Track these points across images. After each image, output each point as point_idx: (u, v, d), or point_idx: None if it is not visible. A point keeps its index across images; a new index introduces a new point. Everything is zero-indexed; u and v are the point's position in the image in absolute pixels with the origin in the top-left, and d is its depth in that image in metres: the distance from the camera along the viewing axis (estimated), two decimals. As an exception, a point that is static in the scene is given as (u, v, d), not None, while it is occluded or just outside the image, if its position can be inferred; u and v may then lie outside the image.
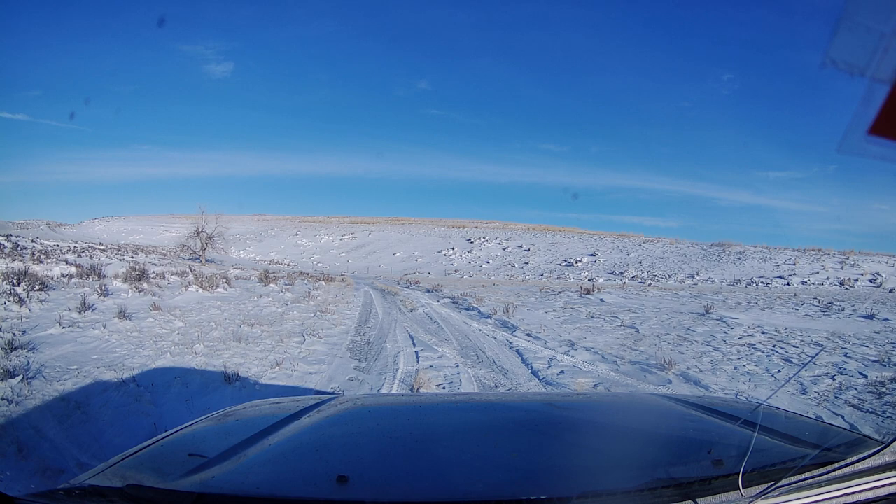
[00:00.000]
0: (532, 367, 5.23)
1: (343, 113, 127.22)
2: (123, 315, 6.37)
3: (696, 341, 6.61)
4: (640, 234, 46.01)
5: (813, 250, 29.11)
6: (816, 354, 5.65)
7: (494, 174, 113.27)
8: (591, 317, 9.25)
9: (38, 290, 7.01)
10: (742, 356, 5.68)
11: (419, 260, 44.79)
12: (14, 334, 4.92)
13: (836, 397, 4.09)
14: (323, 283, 16.89)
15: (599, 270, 32.13)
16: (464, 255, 44.94)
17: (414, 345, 6.42)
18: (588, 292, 13.73)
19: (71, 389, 3.76)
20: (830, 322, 8.28)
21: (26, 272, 7.65)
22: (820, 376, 4.68)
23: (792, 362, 5.41)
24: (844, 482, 0.83)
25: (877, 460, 0.84)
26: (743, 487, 0.80)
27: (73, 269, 10.23)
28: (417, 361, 5.46)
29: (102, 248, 24.59)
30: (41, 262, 11.74)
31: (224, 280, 11.31)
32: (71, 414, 3.32)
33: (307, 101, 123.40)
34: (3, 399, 3.35)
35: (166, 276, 11.29)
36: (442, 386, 4.52)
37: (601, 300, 12.09)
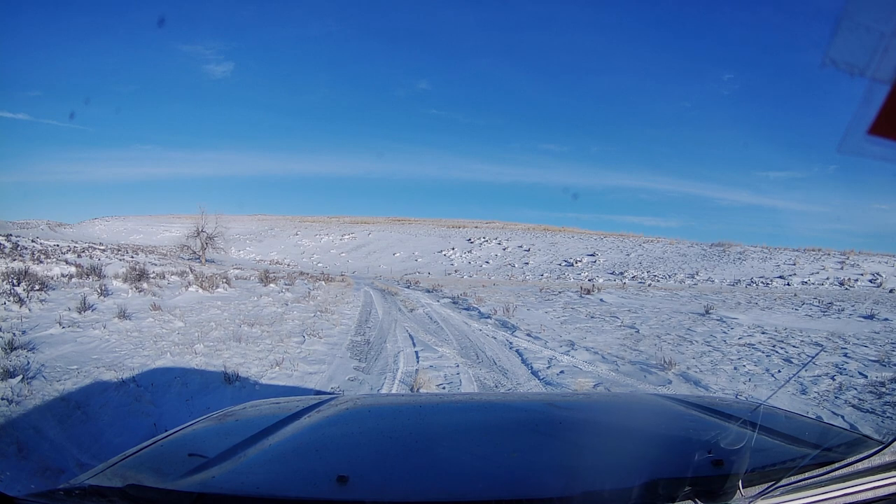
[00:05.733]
0: (532, 367, 5.23)
1: (343, 113, 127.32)
2: (123, 315, 6.37)
3: (696, 341, 6.61)
4: (640, 234, 46.07)
5: (813, 250, 29.10)
6: (816, 354, 5.65)
7: (495, 174, 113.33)
8: (591, 317, 9.25)
9: (38, 290, 7.01)
10: (742, 356, 5.68)
11: (419, 260, 44.79)
12: (14, 334, 4.92)
13: (836, 397, 4.09)
14: (323, 283, 16.90)
15: (599, 270, 32.13)
16: (464, 255, 44.93)
17: (414, 345, 6.41)
18: (588, 292, 13.73)
19: (71, 389, 3.76)
20: (830, 322, 8.28)
21: (26, 272, 7.65)
22: (820, 376, 4.68)
23: (792, 362, 5.40)
24: (844, 482, 0.83)
25: (877, 460, 0.83)
26: (743, 487, 0.80)
27: (73, 269, 10.23)
28: (417, 361, 5.46)
29: (102, 248, 24.59)
30: (41, 262, 11.74)
31: (224, 280, 11.32)
32: (71, 414, 3.32)
33: (307, 101, 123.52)
34: (3, 399, 3.35)
35: (166, 276, 11.29)
36: (442, 386, 4.52)
37: (601, 300, 12.09)
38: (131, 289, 8.53)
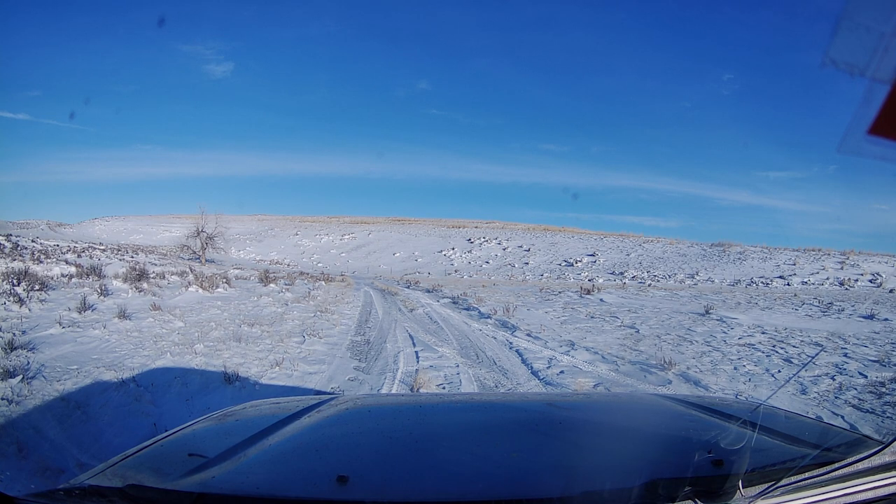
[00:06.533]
0: (532, 367, 5.23)
1: (343, 113, 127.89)
2: (123, 315, 6.37)
3: (696, 341, 6.61)
4: (640, 234, 46.02)
5: (813, 250, 29.08)
6: (816, 354, 5.65)
7: (495, 174, 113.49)
8: (591, 317, 9.25)
9: (38, 290, 7.01)
10: (742, 356, 5.68)
11: (419, 260, 44.78)
12: (14, 334, 4.92)
13: (836, 397, 4.09)
14: (323, 283, 16.89)
15: (599, 270, 32.13)
16: (464, 255, 44.92)
17: (414, 345, 6.41)
18: (588, 292, 13.72)
19: (71, 389, 3.76)
20: (830, 322, 8.28)
21: (26, 272, 7.66)
22: (820, 376, 4.68)
23: (792, 362, 5.40)
24: (844, 482, 0.83)
25: (877, 460, 0.83)
26: (743, 487, 0.80)
27: (73, 269, 10.23)
28: (417, 361, 5.46)
29: (102, 248, 24.58)
30: (41, 261, 11.74)
31: (224, 280, 11.32)
32: (71, 414, 3.32)
33: (307, 101, 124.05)
34: (3, 399, 3.35)
35: (166, 276, 11.29)
36: (442, 386, 4.52)
37: (601, 300, 12.09)
38: (131, 289, 8.53)
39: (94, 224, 71.52)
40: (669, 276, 27.60)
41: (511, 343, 6.63)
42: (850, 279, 21.30)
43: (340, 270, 34.11)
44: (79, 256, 15.61)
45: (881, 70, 0.59)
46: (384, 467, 0.99)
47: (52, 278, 8.82)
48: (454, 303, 12.25)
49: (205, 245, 30.66)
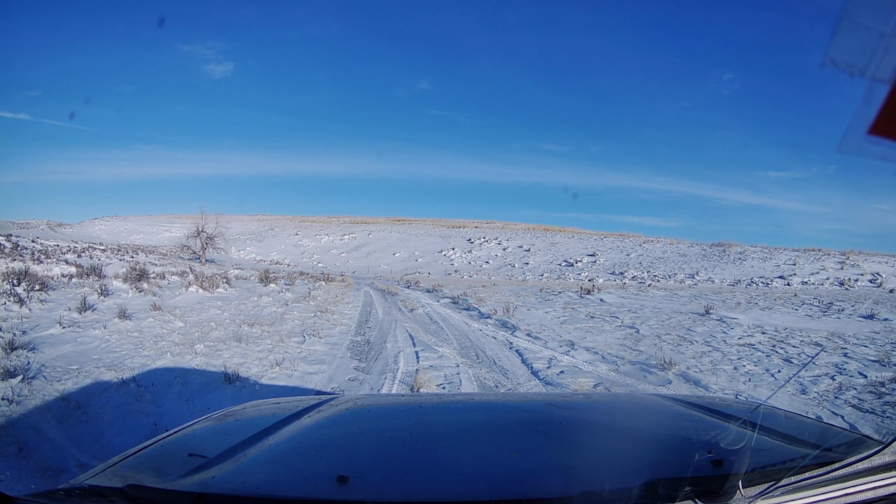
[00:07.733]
0: (532, 367, 5.23)
1: (343, 113, 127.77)
2: (123, 315, 6.37)
3: (696, 341, 6.61)
4: (640, 234, 46.00)
5: (813, 250, 29.09)
6: (816, 354, 5.65)
7: (495, 174, 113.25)
8: (591, 317, 9.25)
9: (38, 290, 7.01)
10: (742, 356, 5.68)
11: (419, 260, 44.78)
12: (14, 334, 4.92)
13: (836, 397, 4.09)
14: (323, 283, 16.89)
15: (599, 270, 32.13)
16: (464, 256, 44.92)
17: (414, 345, 6.41)
18: (588, 292, 13.72)
19: (71, 389, 3.77)
20: (830, 322, 8.28)
21: (26, 272, 7.66)
22: (820, 376, 4.68)
23: (792, 362, 5.40)
24: (844, 482, 0.83)
25: (877, 460, 0.83)
26: (743, 487, 0.80)
27: (73, 269, 10.24)
28: (417, 361, 5.46)
29: (102, 248, 24.59)
30: (41, 262, 11.75)
31: (224, 280, 11.32)
32: (71, 414, 3.32)
33: (307, 101, 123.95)
34: (3, 399, 3.35)
35: (166, 276, 11.30)
36: (442, 386, 4.52)
37: (601, 300, 12.09)
38: (131, 289, 8.53)
39: (95, 224, 71.52)
40: (669, 276, 27.60)
41: (511, 343, 6.63)
42: (850, 279, 21.30)
43: (340, 270, 34.11)
44: (79, 256, 15.61)
45: (881, 70, 0.59)
46: (384, 467, 0.99)
47: (53, 278, 8.83)
48: (454, 303, 12.25)
49: (205, 245, 30.68)
